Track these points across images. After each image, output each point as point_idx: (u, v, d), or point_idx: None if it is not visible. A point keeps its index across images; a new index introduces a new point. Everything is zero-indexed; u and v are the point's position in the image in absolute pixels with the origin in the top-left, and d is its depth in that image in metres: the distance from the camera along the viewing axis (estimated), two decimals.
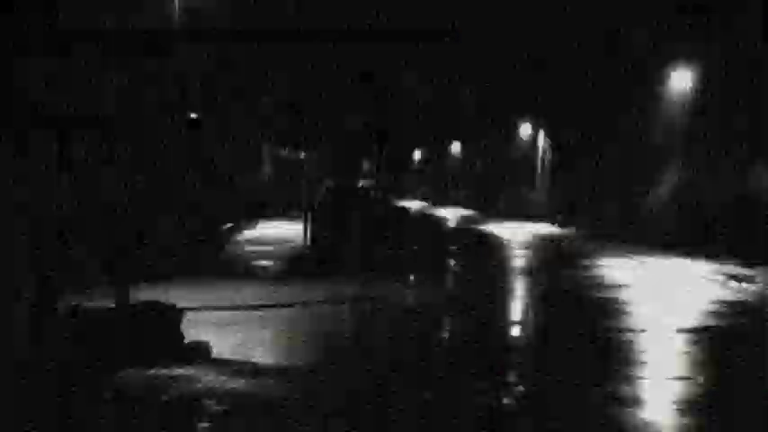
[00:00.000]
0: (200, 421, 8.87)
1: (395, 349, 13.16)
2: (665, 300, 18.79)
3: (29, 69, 10.90)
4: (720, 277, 22.41)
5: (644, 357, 12.71)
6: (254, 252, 25.76)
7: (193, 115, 24.94)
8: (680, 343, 13.98)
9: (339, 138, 46.30)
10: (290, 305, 16.51)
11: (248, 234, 31.95)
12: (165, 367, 10.87)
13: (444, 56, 56.34)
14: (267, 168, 47.93)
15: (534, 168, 53.03)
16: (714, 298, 19.06)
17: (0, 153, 10.35)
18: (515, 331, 15.44)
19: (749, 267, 24.40)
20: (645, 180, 35.89)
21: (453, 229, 45.07)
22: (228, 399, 9.65)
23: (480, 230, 42.45)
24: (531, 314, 17.56)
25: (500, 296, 19.74)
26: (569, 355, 12.92)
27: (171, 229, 20.49)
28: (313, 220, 24.88)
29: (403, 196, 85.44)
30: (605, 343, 13.88)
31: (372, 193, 46.52)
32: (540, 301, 19.27)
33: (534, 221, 47.09)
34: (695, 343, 14.04)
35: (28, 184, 11.12)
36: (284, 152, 52.16)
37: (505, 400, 10.23)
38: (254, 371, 11.03)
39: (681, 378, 11.49)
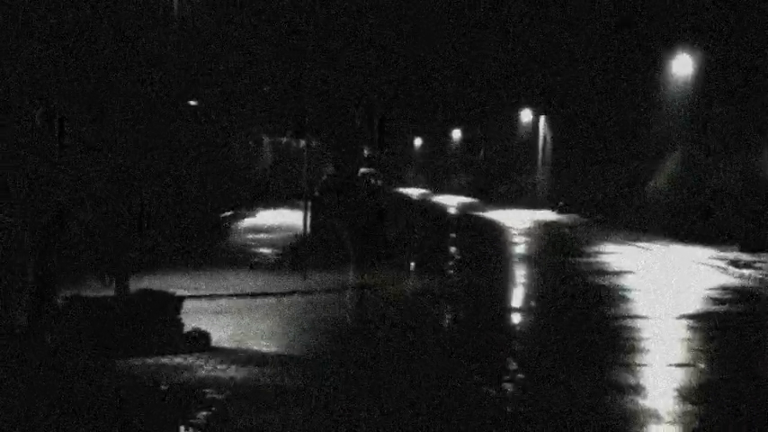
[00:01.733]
0: (200, 410, 8.84)
1: (395, 336, 13.13)
2: (666, 286, 18.77)
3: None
4: (721, 263, 22.37)
5: (645, 344, 12.69)
6: (254, 240, 25.74)
7: (192, 102, 24.84)
8: (681, 329, 13.96)
9: (339, 125, 46.21)
10: (289, 293, 16.49)
11: (249, 222, 31.93)
12: (165, 356, 10.85)
13: (443, 39, 56.21)
14: (268, 156, 47.84)
15: (535, 155, 52.95)
16: (715, 284, 19.05)
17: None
18: (516, 318, 15.42)
19: (750, 253, 24.36)
20: (646, 166, 35.81)
21: (454, 216, 45.05)
22: (228, 387, 9.62)
23: (481, 217, 42.42)
24: (531, 301, 17.54)
25: (501, 283, 19.73)
26: (570, 342, 12.89)
27: (170, 218, 20.45)
28: (313, 208, 24.81)
29: (404, 184, 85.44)
30: (606, 329, 13.87)
31: (373, 180, 46.42)
32: (541, 287, 19.25)
33: (535, 208, 47.04)
34: (696, 329, 14.02)
35: (28, 173, 11.10)
36: (285, 139, 52.03)
37: (504, 387, 10.20)
38: (254, 359, 11.00)
39: (681, 365, 11.47)
